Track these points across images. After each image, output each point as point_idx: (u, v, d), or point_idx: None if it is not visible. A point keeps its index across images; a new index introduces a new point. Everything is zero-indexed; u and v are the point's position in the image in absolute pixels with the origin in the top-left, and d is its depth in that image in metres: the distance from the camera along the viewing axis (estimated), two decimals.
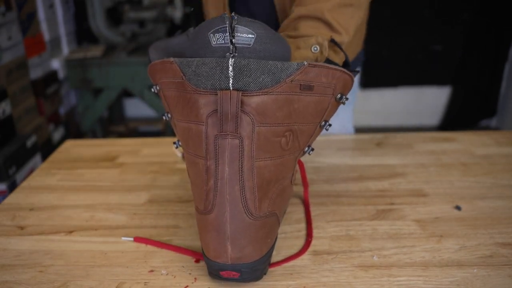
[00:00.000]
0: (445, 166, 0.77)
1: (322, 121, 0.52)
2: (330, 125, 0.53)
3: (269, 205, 0.48)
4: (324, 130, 0.54)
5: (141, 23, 2.47)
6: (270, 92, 0.45)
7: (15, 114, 1.70)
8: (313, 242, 0.57)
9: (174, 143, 0.54)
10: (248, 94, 0.44)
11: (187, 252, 0.56)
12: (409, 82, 2.75)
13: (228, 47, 0.46)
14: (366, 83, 2.70)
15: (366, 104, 2.75)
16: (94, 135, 2.43)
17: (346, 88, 0.52)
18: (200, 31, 0.48)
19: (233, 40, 0.46)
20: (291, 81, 0.46)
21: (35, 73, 1.98)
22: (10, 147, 1.56)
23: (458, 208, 0.64)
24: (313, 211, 0.64)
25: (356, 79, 0.91)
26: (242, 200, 0.46)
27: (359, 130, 0.99)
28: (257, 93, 0.44)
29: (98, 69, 2.22)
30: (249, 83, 0.44)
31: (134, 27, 2.47)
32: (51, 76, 2.12)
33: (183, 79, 0.46)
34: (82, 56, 2.23)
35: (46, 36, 2.12)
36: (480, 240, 0.57)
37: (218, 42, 0.46)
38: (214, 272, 0.49)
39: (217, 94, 0.44)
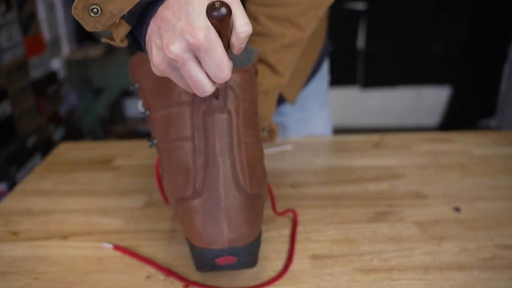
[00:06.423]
0: (444, 167, 0.76)
1: None
2: None
3: (256, 185, 0.48)
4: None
5: None
6: (247, 70, 0.48)
7: (16, 114, 1.70)
8: (313, 246, 0.57)
9: (149, 140, 0.51)
10: (232, 71, 0.44)
11: (168, 272, 0.52)
12: (408, 81, 2.74)
13: None
14: (366, 83, 2.69)
15: (365, 104, 2.74)
16: (94, 135, 2.43)
17: None
18: None
19: None
20: (255, 62, 0.51)
21: (35, 73, 1.98)
22: (10, 147, 1.56)
23: (457, 209, 0.64)
24: (312, 213, 0.64)
25: (327, 75, 0.92)
26: (234, 176, 0.45)
27: (358, 130, 0.99)
28: (238, 70, 0.47)
29: (98, 69, 2.22)
30: (233, 60, 0.44)
31: None
32: (51, 76, 2.12)
33: None
34: (82, 56, 2.23)
35: (47, 36, 2.12)
36: (480, 242, 0.56)
37: None
38: (208, 261, 0.45)
39: None
